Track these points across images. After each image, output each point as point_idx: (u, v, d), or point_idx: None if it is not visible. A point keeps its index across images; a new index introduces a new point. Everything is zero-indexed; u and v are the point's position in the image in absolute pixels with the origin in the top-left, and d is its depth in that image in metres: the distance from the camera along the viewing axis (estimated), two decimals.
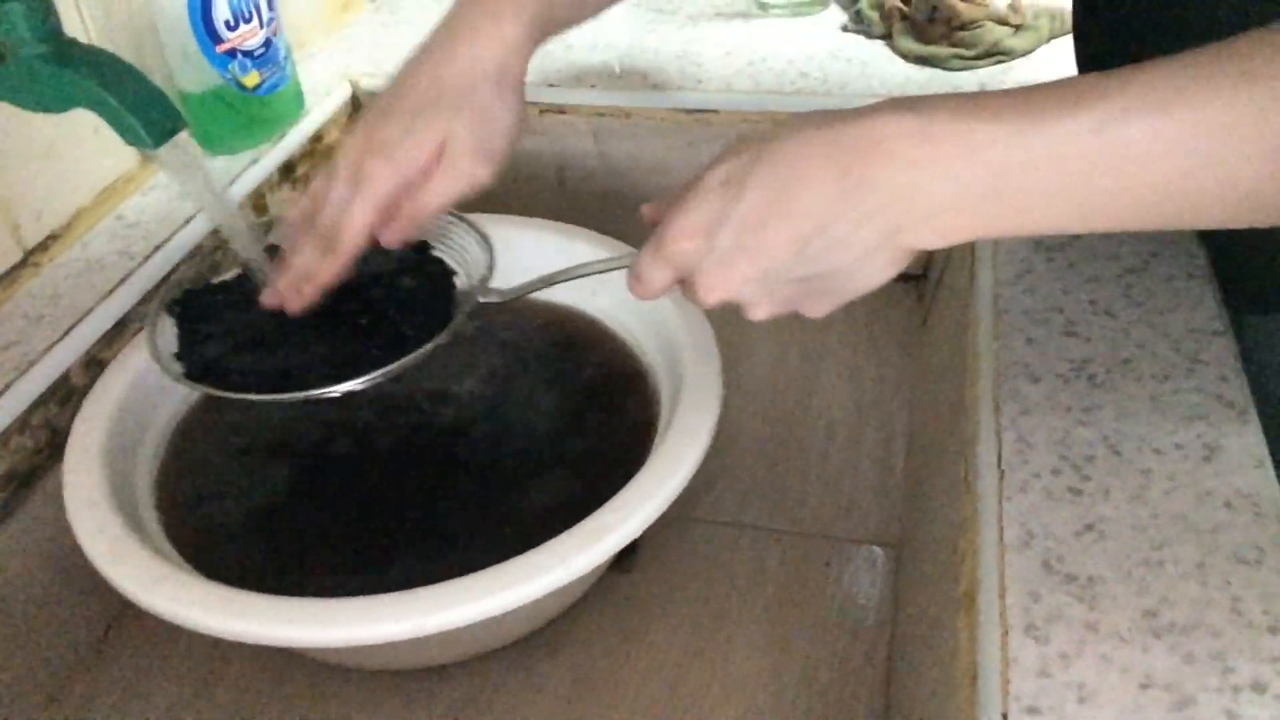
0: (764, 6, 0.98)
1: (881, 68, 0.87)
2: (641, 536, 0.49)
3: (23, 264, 0.66)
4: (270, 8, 0.78)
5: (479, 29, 0.51)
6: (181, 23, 0.72)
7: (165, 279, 0.68)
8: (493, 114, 0.50)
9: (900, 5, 0.91)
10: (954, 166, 0.36)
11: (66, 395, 0.60)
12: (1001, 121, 0.36)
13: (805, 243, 0.39)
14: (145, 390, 0.60)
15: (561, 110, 0.88)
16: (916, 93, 0.83)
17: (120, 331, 0.64)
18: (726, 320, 0.45)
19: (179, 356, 0.54)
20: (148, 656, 0.61)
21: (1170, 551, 0.42)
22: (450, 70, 0.50)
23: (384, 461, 0.60)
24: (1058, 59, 0.87)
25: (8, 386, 0.57)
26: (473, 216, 0.62)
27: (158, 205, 0.73)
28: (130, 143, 0.53)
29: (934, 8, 0.88)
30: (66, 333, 0.61)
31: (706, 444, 0.52)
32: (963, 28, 0.87)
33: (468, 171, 0.50)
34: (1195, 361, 0.51)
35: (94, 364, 0.62)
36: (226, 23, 0.74)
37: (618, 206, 0.92)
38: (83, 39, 0.56)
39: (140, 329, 0.64)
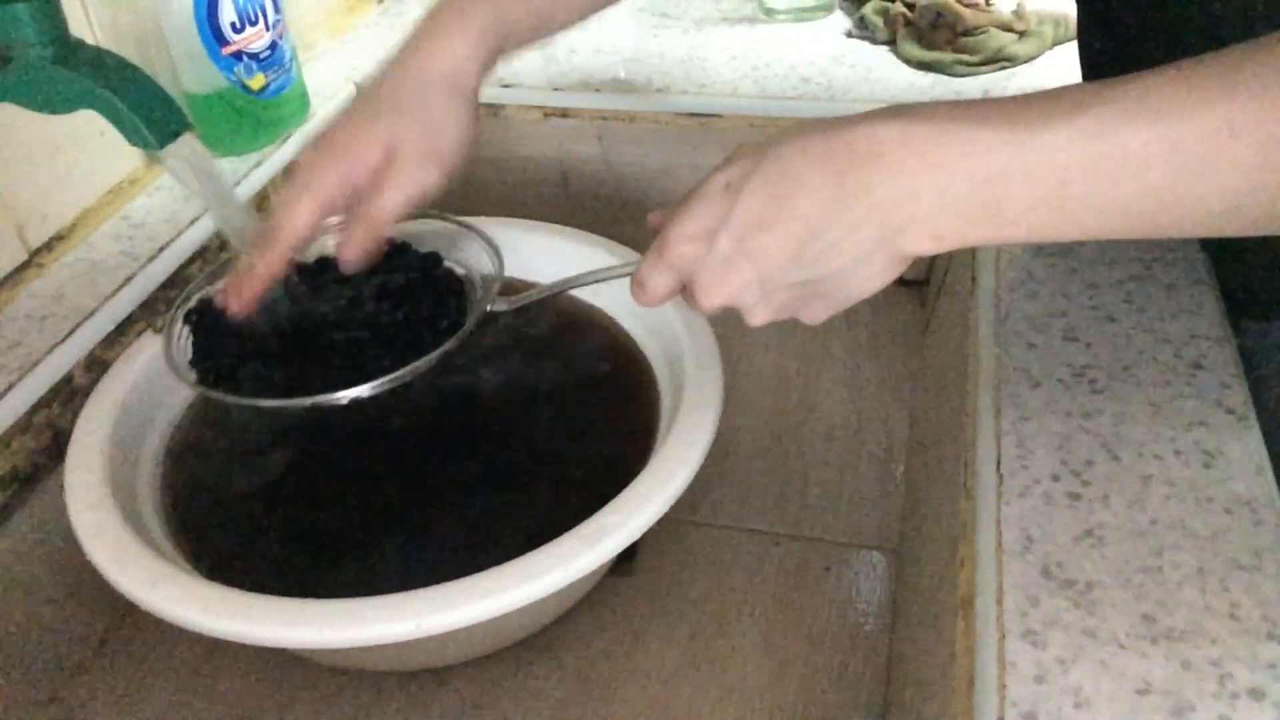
0: (769, 12, 0.98)
1: (885, 73, 0.87)
2: (642, 539, 0.49)
3: (27, 264, 0.67)
4: (276, 10, 0.78)
5: (433, 42, 0.52)
6: (187, 25, 0.73)
7: (171, 280, 0.68)
8: (442, 121, 0.52)
9: (904, 11, 0.91)
10: (948, 172, 0.37)
11: (69, 396, 0.60)
12: (996, 129, 0.36)
13: (801, 247, 0.40)
14: (148, 391, 0.60)
15: (566, 114, 0.88)
16: (920, 98, 0.83)
17: (123, 332, 0.64)
18: (728, 325, 0.46)
19: (193, 364, 0.55)
20: (149, 657, 0.61)
21: (1169, 557, 0.42)
22: (403, 80, 0.52)
23: (385, 463, 0.60)
24: (1061, 65, 0.87)
25: (11, 386, 0.57)
26: (479, 223, 0.62)
27: (163, 206, 0.73)
28: (135, 144, 0.53)
29: (938, 14, 0.89)
30: (70, 333, 0.61)
31: (707, 448, 0.52)
32: (967, 34, 0.87)
33: (417, 176, 0.51)
34: (1196, 368, 0.51)
35: (97, 364, 0.62)
36: (232, 25, 0.75)
37: (622, 210, 0.92)
38: (89, 41, 0.56)
39: (143, 330, 0.65)
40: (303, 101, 0.84)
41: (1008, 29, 0.88)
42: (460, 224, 0.62)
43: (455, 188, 0.53)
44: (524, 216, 0.72)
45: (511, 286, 0.60)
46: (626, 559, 0.64)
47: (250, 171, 0.78)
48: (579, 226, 0.71)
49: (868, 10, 0.94)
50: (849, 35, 0.94)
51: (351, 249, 0.52)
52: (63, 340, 0.61)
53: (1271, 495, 0.44)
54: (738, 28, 0.97)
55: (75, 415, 0.57)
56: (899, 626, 0.59)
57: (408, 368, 0.52)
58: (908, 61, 0.88)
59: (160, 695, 0.59)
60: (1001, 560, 0.42)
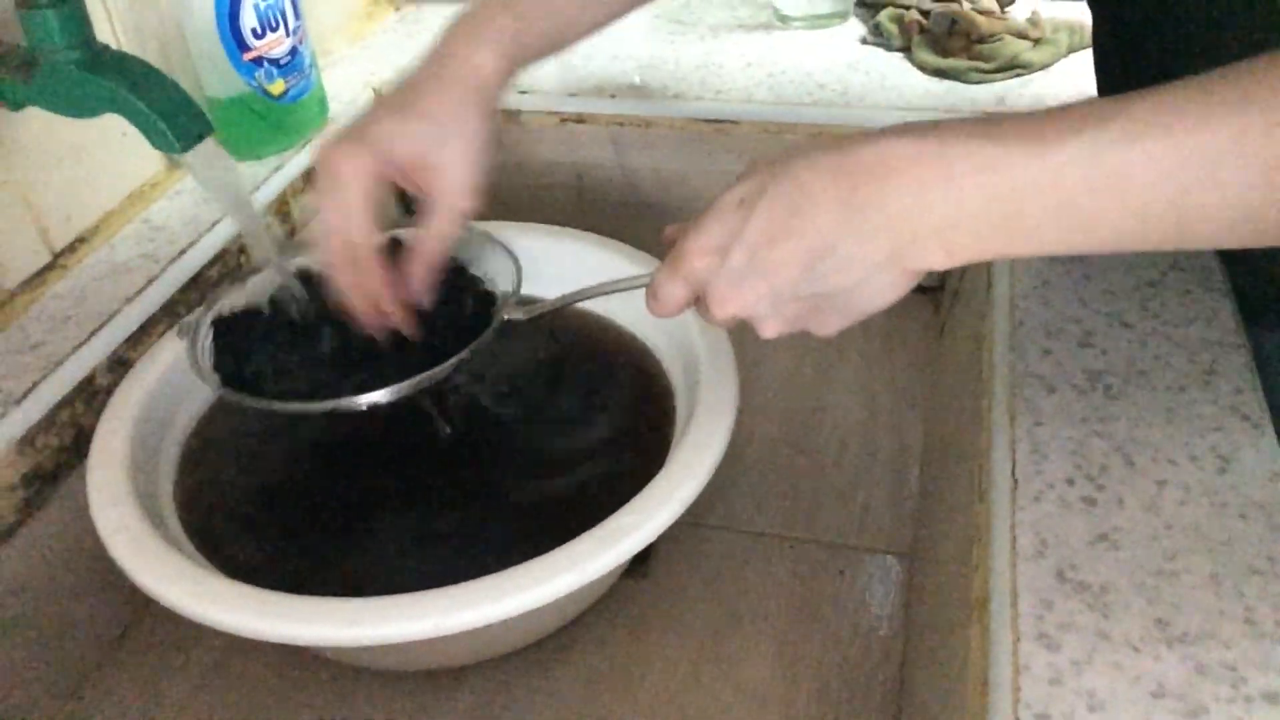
0: (784, 19, 0.98)
1: (900, 80, 0.88)
2: (656, 542, 0.49)
3: (51, 266, 0.68)
4: (296, 16, 0.79)
5: (463, 51, 0.53)
6: (209, 31, 0.74)
7: (192, 281, 0.69)
8: (472, 137, 0.53)
9: (919, 18, 0.91)
10: (960, 188, 0.37)
11: (91, 395, 0.61)
12: (1008, 146, 0.37)
13: (814, 261, 0.40)
14: (169, 391, 0.60)
15: (581, 120, 0.88)
16: (935, 105, 0.83)
17: (145, 333, 0.65)
18: (742, 330, 0.46)
19: (216, 368, 0.56)
20: (167, 653, 0.62)
21: (1183, 562, 0.42)
22: (435, 89, 0.53)
23: (404, 463, 0.61)
24: (1076, 73, 0.87)
25: (34, 386, 0.58)
26: (496, 228, 0.63)
27: (184, 209, 0.74)
28: (158, 147, 0.54)
29: (953, 21, 0.89)
30: (93, 334, 0.62)
31: (722, 452, 0.52)
32: (981, 41, 0.87)
33: (461, 205, 0.53)
34: (1211, 374, 0.51)
35: (119, 365, 0.63)
36: (254, 31, 0.75)
37: (636, 216, 0.92)
38: (113, 45, 0.57)
39: (165, 331, 0.65)
40: (322, 106, 0.85)
41: (1023, 36, 0.88)
42: (482, 234, 0.63)
43: None
44: (539, 221, 0.72)
45: (529, 299, 0.60)
46: (641, 562, 0.64)
47: (270, 175, 0.78)
48: (594, 231, 0.71)
49: (883, 17, 0.94)
50: (864, 42, 0.95)
51: (418, 287, 0.54)
52: (85, 341, 0.62)
53: None
54: (753, 34, 0.97)
55: (97, 414, 0.58)
56: (913, 630, 0.59)
57: (426, 374, 0.53)
58: (922, 68, 0.89)
59: (179, 691, 0.60)
60: (1016, 564, 0.43)
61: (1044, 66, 0.88)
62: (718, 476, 0.52)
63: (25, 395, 0.58)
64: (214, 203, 0.73)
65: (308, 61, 0.81)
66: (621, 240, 0.70)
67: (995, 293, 0.59)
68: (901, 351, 0.82)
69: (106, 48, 0.55)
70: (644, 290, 0.46)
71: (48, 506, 0.59)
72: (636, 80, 0.90)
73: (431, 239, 0.53)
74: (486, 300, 0.60)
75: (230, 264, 0.73)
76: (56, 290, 0.66)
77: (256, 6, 0.75)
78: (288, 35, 0.78)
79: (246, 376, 0.55)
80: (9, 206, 0.64)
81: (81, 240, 0.70)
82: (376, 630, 0.45)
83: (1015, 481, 0.46)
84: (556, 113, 0.89)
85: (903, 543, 0.66)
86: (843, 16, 0.98)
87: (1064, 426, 0.49)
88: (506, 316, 0.56)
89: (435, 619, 0.45)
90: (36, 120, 0.61)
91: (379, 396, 0.53)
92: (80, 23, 0.53)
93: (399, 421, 0.61)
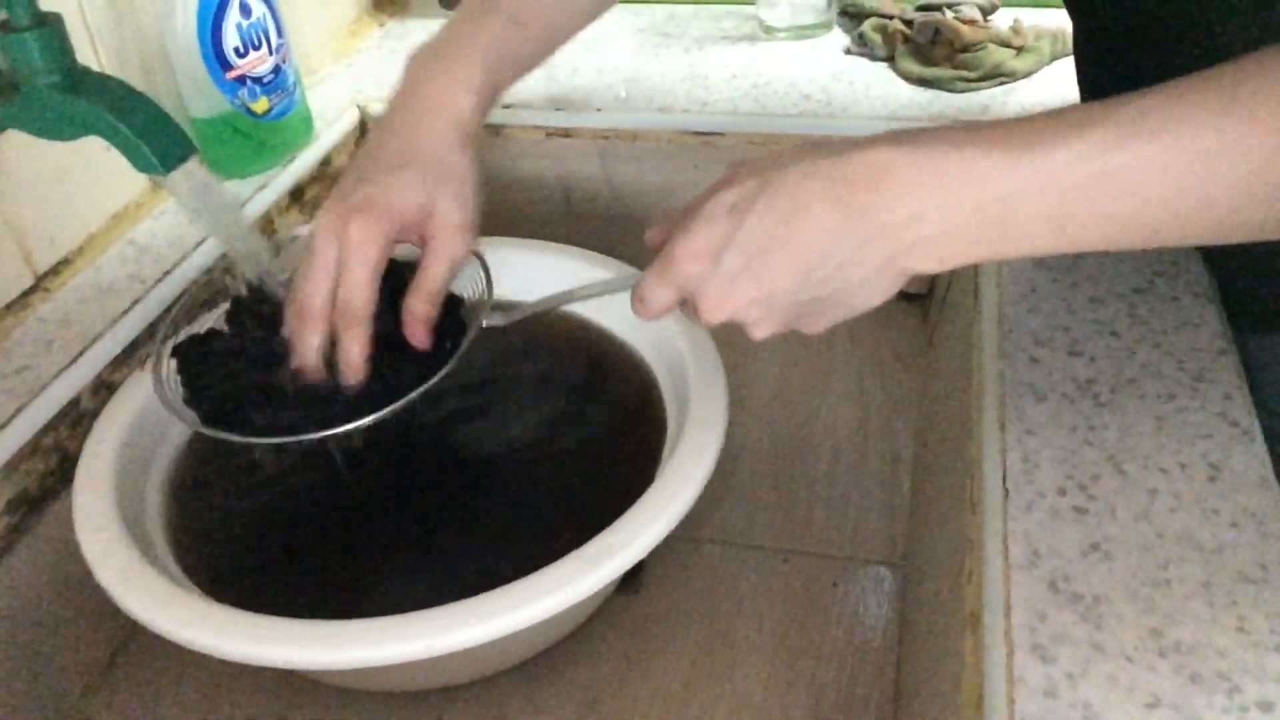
0: (768, 30, 0.99)
1: (884, 90, 0.88)
2: (647, 557, 0.49)
3: (34, 288, 0.67)
4: (279, 35, 0.79)
5: (434, 102, 0.53)
6: (192, 50, 0.73)
7: (171, 309, 0.68)
8: (464, 177, 0.53)
9: (903, 28, 0.92)
10: (952, 194, 0.38)
11: (77, 419, 0.61)
12: (998, 152, 0.37)
13: (810, 269, 0.41)
14: (155, 414, 0.60)
15: (567, 133, 0.88)
16: (919, 114, 0.83)
17: (130, 355, 0.65)
18: (731, 340, 0.46)
19: (188, 401, 0.54)
20: (156, 679, 0.61)
21: (1176, 571, 0.42)
22: (418, 134, 0.53)
23: (390, 483, 0.60)
24: (1059, 80, 0.87)
25: (19, 410, 0.58)
26: (479, 242, 0.62)
27: (168, 230, 0.74)
28: (141, 169, 0.53)
29: (936, 30, 0.89)
30: (77, 357, 0.62)
31: (712, 466, 0.52)
32: (965, 50, 0.88)
33: (459, 244, 0.52)
34: (1200, 381, 0.51)
35: (104, 388, 0.62)
36: (236, 50, 0.75)
37: (624, 229, 0.92)
38: (94, 66, 0.57)
39: (148, 357, 0.65)
40: (306, 124, 0.85)
41: (1005, 45, 0.88)
42: None
43: None
44: (526, 236, 0.72)
45: (509, 305, 0.60)
46: (632, 576, 0.64)
47: (255, 194, 0.78)
48: (581, 245, 0.71)
49: (866, 27, 0.94)
50: (848, 52, 0.95)
51: (419, 331, 0.52)
52: (70, 364, 0.61)
53: (1277, 507, 0.44)
54: (738, 46, 0.97)
55: (83, 438, 0.57)
56: (907, 642, 0.59)
57: (404, 399, 0.52)
58: (906, 78, 0.89)
59: (168, 716, 0.59)
60: (1009, 575, 0.42)
61: (1027, 74, 0.88)
62: (708, 489, 0.51)
63: (9, 420, 0.57)
64: (197, 224, 0.72)
65: (291, 79, 0.81)
66: (609, 254, 0.69)
67: (983, 301, 0.59)
68: (891, 361, 0.82)
69: (87, 70, 0.55)
70: (628, 293, 0.46)
71: (33, 532, 0.58)
72: (622, 93, 0.90)
73: (430, 280, 0.52)
74: (455, 303, 0.58)
75: (217, 285, 0.72)
76: (40, 313, 0.66)
77: (239, 25, 0.75)
78: (271, 53, 0.78)
79: (223, 409, 0.54)
80: None
81: (65, 262, 0.70)
82: (365, 652, 0.45)
83: (1006, 491, 0.46)
84: (542, 127, 0.88)
85: (895, 553, 0.66)
86: (826, 27, 0.99)
87: (1054, 435, 0.49)
88: (486, 323, 0.56)
89: (427, 640, 0.45)
90: (18, 143, 0.60)
91: (364, 422, 0.52)
92: (60, 45, 0.53)
93: (387, 442, 0.61)
